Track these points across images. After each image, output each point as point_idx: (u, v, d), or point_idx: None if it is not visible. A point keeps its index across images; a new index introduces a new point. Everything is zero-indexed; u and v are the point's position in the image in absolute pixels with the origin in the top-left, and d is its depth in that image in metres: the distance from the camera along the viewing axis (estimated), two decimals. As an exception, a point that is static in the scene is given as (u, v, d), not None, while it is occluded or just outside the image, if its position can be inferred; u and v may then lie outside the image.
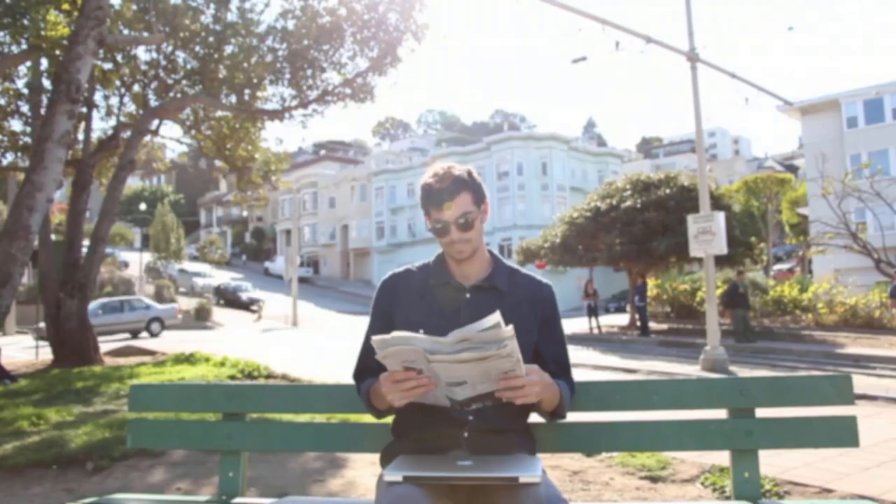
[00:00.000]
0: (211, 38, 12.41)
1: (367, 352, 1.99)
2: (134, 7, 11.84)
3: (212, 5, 12.44)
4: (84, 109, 11.60)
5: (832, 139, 27.92)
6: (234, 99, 12.52)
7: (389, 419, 2.00)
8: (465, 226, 1.87)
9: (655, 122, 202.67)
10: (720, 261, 17.81)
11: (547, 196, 46.91)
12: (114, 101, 13.07)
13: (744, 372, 11.56)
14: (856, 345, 14.99)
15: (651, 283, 22.19)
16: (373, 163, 60.96)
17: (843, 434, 2.01)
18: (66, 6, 9.73)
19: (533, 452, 1.90)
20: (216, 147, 13.81)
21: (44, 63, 10.78)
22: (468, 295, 1.93)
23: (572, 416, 2.02)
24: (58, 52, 9.16)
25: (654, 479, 3.85)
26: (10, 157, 12.93)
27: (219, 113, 13.40)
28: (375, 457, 1.89)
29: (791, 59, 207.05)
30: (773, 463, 3.86)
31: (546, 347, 1.97)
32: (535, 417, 1.93)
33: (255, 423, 2.32)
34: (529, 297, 1.96)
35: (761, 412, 2.06)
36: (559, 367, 1.97)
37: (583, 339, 19.22)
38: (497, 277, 1.95)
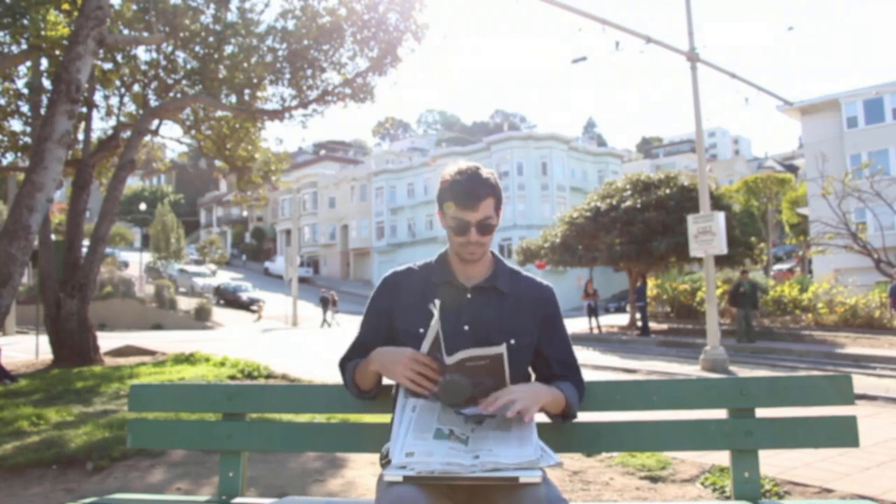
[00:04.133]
0: (211, 38, 12.40)
1: (358, 344, 2.00)
2: (134, 7, 11.83)
3: (212, 5, 12.43)
4: (84, 109, 11.59)
5: (832, 139, 27.92)
6: (234, 99, 12.51)
7: (387, 417, 2.00)
8: (485, 230, 1.87)
9: (655, 122, 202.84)
10: (720, 261, 17.83)
11: (547, 196, 46.93)
12: (114, 101, 13.06)
13: (744, 372, 11.57)
14: (856, 345, 14.99)
15: (651, 283, 22.20)
16: (373, 163, 60.96)
17: (843, 434, 2.02)
18: (66, 6, 9.72)
19: (533, 452, 1.90)
20: (216, 147, 13.80)
21: (44, 63, 10.77)
22: (469, 295, 1.93)
23: (572, 416, 2.02)
24: (58, 52, 9.16)
25: (654, 479, 3.85)
26: (10, 157, 12.92)
27: (219, 113, 13.39)
28: (375, 457, 1.89)
29: (791, 59, 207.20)
30: (773, 463, 3.86)
31: (550, 349, 1.97)
32: (535, 417, 1.93)
33: (255, 423, 2.32)
34: (530, 298, 1.97)
35: (761, 412, 2.06)
36: (566, 368, 1.98)
37: (583, 339, 19.22)
38: (498, 278, 1.96)
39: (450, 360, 1.66)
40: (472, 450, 1.60)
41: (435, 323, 1.70)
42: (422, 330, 1.89)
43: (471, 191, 1.83)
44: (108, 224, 10.90)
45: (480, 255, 1.92)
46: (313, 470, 4.15)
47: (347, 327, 25.89)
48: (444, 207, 1.90)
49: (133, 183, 62.74)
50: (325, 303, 29.87)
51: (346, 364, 2.03)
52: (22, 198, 6.84)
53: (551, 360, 1.97)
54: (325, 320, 29.28)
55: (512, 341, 1.88)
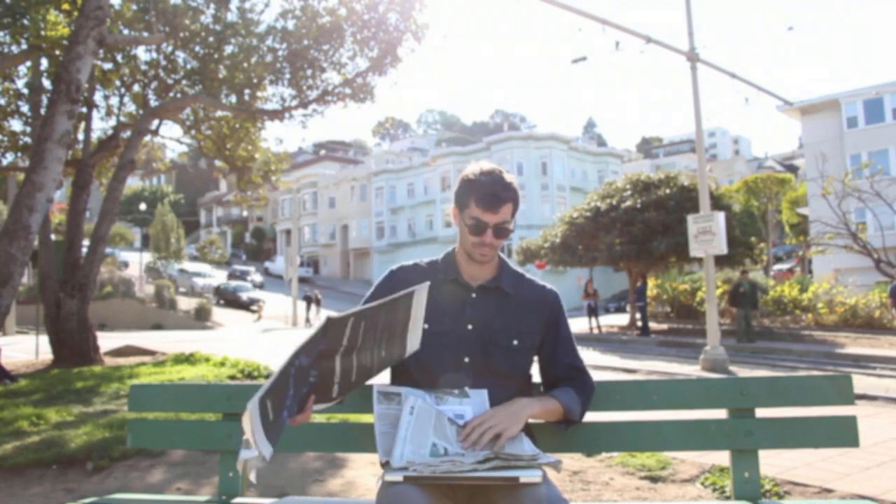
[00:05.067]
0: (211, 38, 12.40)
1: None
2: (134, 7, 11.83)
3: (212, 5, 12.43)
4: (84, 109, 11.59)
5: (832, 139, 27.91)
6: (234, 99, 12.51)
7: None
8: (502, 233, 1.88)
9: (655, 122, 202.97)
10: (720, 261, 17.83)
11: (547, 196, 46.93)
12: (114, 101, 13.06)
13: (744, 372, 11.56)
14: (856, 345, 14.99)
15: (651, 283, 22.20)
16: (373, 163, 60.97)
17: (843, 434, 2.01)
18: (66, 6, 9.72)
19: (533, 452, 1.90)
20: (216, 147, 13.80)
21: (44, 63, 10.76)
22: (474, 294, 1.94)
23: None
24: (58, 52, 9.16)
25: (654, 479, 3.85)
26: (10, 157, 12.92)
27: (219, 113, 13.39)
28: (375, 457, 1.89)
29: (791, 59, 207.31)
30: (773, 463, 3.86)
31: (555, 353, 1.98)
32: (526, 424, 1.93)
33: (255, 423, 2.31)
34: (534, 301, 1.97)
35: (761, 412, 2.06)
36: (573, 371, 1.98)
37: (583, 339, 19.22)
38: (503, 279, 1.96)
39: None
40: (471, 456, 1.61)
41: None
42: (426, 326, 1.90)
43: (494, 193, 1.83)
44: (108, 224, 10.90)
45: (490, 258, 1.93)
46: (313, 470, 4.14)
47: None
48: (463, 206, 1.89)
49: (133, 183, 62.73)
50: (308, 301, 29.94)
51: None
52: (22, 198, 6.84)
53: (556, 364, 1.98)
54: (307, 319, 29.30)
55: (515, 342, 1.90)
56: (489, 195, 1.83)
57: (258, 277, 47.29)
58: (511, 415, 1.73)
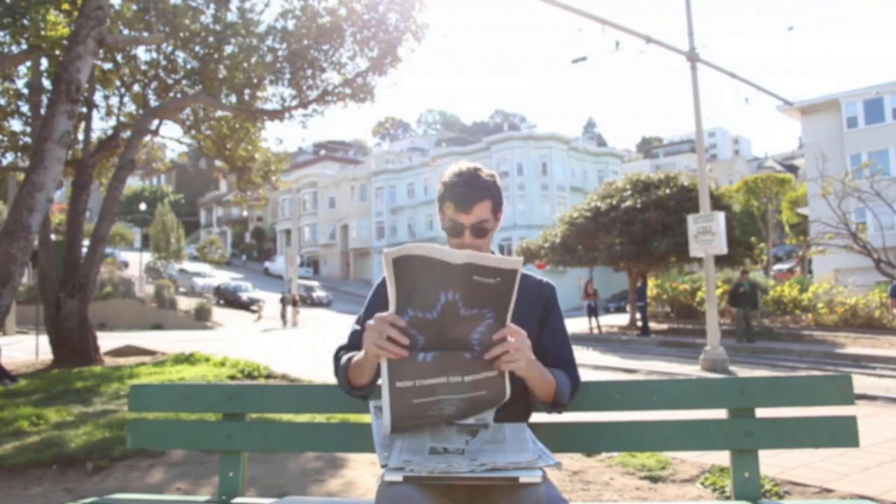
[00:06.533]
0: (211, 38, 12.41)
1: (355, 336, 1.98)
2: (134, 7, 11.83)
3: (212, 5, 12.44)
4: (84, 109, 11.60)
5: (832, 139, 27.90)
6: (234, 99, 12.51)
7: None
8: (480, 233, 1.87)
9: (655, 122, 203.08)
10: (720, 261, 17.83)
11: (547, 196, 46.92)
12: (114, 101, 13.07)
13: (744, 372, 11.56)
14: (856, 345, 14.98)
15: (651, 283, 22.19)
16: (373, 163, 60.98)
17: (843, 434, 2.01)
18: (66, 6, 9.72)
19: (533, 452, 1.89)
20: (216, 147, 13.80)
21: (44, 63, 10.77)
22: (470, 295, 1.93)
23: (572, 416, 2.02)
24: (58, 52, 9.16)
25: (654, 479, 3.85)
26: (10, 157, 12.92)
27: (219, 113, 13.39)
28: (375, 457, 1.89)
29: (791, 59, 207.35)
30: (773, 463, 3.86)
31: (548, 343, 1.96)
32: (535, 417, 1.93)
33: (255, 423, 2.32)
34: (530, 296, 1.96)
35: (761, 412, 2.06)
36: (562, 363, 1.96)
37: (583, 339, 19.22)
38: None
39: (457, 261, 1.51)
40: (469, 457, 1.61)
41: (389, 276, 1.55)
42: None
43: (465, 193, 1.83)
44: (108, 224, 10.91)
45: None
46: (313, 470, 4.15)
47: (335, 326, 25.89)
48: (443, 208, 1.90)
49: (133, 183, 62.73)
50: (283, 303, 29.87)
51: (339, 354, 1.97)
52: (22, 198, 6.85)
53: (546, 353, 1.95)
54: (283, 318, 29.20)
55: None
56: (460, 196, 1.83)
57: (323, 293, 42.08)
58: (532, 362, 1.69)
